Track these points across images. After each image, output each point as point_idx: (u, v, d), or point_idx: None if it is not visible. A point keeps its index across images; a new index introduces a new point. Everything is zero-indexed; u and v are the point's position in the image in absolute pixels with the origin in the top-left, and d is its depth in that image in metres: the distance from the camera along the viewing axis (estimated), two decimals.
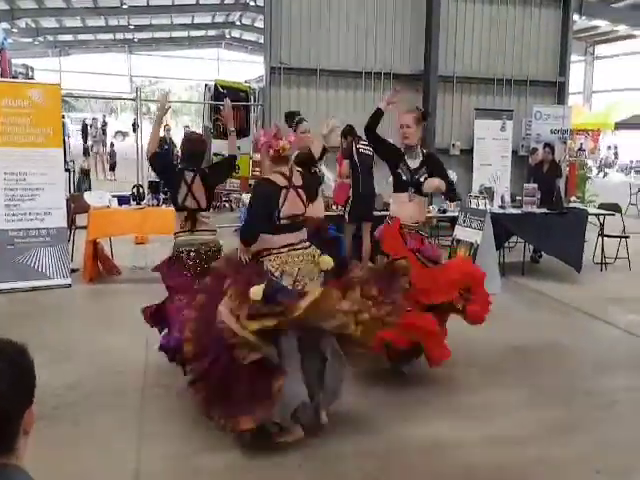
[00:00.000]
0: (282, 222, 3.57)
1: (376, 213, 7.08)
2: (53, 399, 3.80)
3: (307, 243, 3.66)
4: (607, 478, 3.30)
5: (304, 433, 3.48)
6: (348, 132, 6.83)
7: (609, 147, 25.15)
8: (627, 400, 4.31)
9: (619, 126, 18.26)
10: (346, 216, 6.89)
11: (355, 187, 6.82)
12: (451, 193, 4.74)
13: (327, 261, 3.57)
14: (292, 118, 5.44)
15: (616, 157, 25.16)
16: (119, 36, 32.15)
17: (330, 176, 7.00)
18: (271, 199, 3.55)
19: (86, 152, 18.25)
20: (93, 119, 21.33)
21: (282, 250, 3.53)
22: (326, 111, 8.91)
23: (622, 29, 22.62)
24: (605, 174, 23.15)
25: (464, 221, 7.19)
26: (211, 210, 4.50)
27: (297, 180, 3.67)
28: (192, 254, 4.25)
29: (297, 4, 9.08)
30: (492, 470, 3.33)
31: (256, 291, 3.25)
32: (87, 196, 7.40)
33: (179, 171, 4.33)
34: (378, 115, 4.53)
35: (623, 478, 3.33)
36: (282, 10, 8.95)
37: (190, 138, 4.70)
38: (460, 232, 7.18)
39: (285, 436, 3.43)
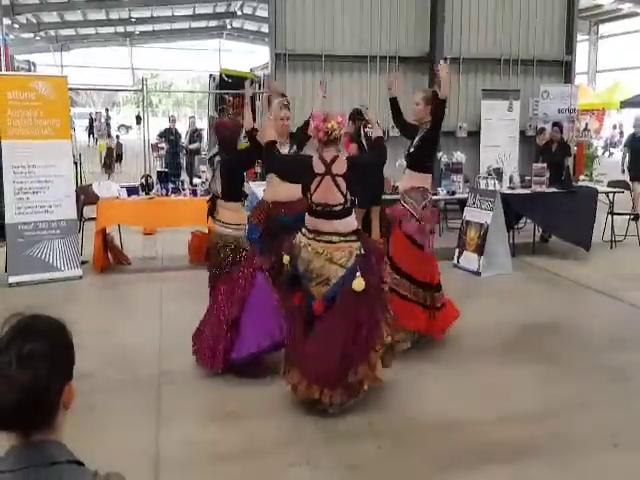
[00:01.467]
0: (313, 206, 3.58)
1: (384, 197, 7.08)
2: None
3: (344, 237, 3.55)
4: (625, 451, 3.32)
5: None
6: (355, 116, 6.79)
7: (614, 126, 24.96)
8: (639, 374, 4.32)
9: (624, 105, 18.11)
10: (355, 200, 6.86)
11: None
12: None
13: (358, 284, 3.47)
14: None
15: (621, 136, 24.97)
16: (120, 29, 32.03)
17: None
18: (303, 173, 3.65)
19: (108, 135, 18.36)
20: (97, 113, 21.36)
21: (310, 233, 3.57)
22: (331, 95, 8.88)
23: (626, 7, 22.39)
24: (610, 153, 23.00)
25: (474, 202, 7.18)
26: (239, 203, 4.29)
27: (339, 168, 3.59)
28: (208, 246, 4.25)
29: None
30: (509, 447, 3.35)
31: (286, 258, 3.59)
32: (96, 187, 7.41)
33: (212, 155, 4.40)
34: (392, 103, 4.87)
35: None
36: None
37: (215, 124, 4.73)
38: (470, 213, 7.17)
39: None
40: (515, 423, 3.61)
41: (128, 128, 32.18)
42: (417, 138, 4.72)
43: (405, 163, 4.87)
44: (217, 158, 4.34)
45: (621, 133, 24.93)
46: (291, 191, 4.91)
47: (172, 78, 41.28)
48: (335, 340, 3.48)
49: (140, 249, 7.81)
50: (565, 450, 3.35)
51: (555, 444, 3.40)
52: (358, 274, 3.46)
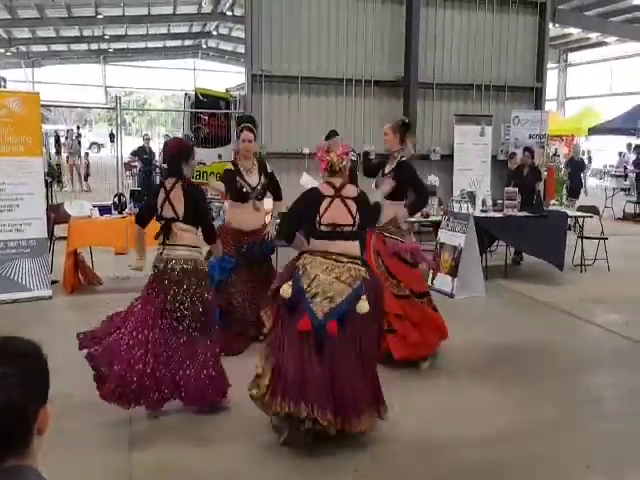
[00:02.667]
0: (322, 229, 3.56)
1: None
2: None
3: (351, 259, 3.50)
4: (599, 473, 3.37)
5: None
6: (332, 137, 6.82)
7: (582, 152, 25.58)
8: (613, 396, 4.40)
9: (592, 132, 18.61)
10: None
11: None
12: (415, 204, 5.00)
13: (362, 306, 3.40)
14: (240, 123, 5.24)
15: (590, 162, 25.62)
16: (94, 46, 31.84)
17: (315, 183, 6.97)
18: (311, 205, 3.58)
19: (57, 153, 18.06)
20: (68, 131, 21.10)
21: (316, 253, 3.53)
22: (307, 118, 8.95)
23: (594, 36, 23.13)
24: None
25: (447, 225, 7.26)
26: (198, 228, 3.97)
27: (349, 192, 3.61)
28: (155, 270, 3.86)
29: (277, 12, 9.12)
30: (489, 469, 3.36)
31: (285, 289, 3.40)
32: (67, 206, 7.30)
33: (161, 179, 4.29)
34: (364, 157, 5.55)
35: (614, 472, 3.38)
36: (263, 18, 8.98)
37: (166, 142, 4.75)
38: (444, 236, 7.24)
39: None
40: (495, 445, 3.61)
41: (100, 146, 31.87)
42: (390, 171, 4.91)
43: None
44: (169, 180, 3.94)
45: (589, 159, 25.56)
46: (258, 220, 5.08)
47: (145, 96, 41.09)
48: (353, 366, 3.42)
49: (112, 269, 7.67)
50: (544, 472, 3.38)
51: (535, 465, 3.42)
52: (364, 297, 3.42)
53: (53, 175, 11.11)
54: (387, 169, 4.96)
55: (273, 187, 5.22)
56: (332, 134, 6.88)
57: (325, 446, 3.45)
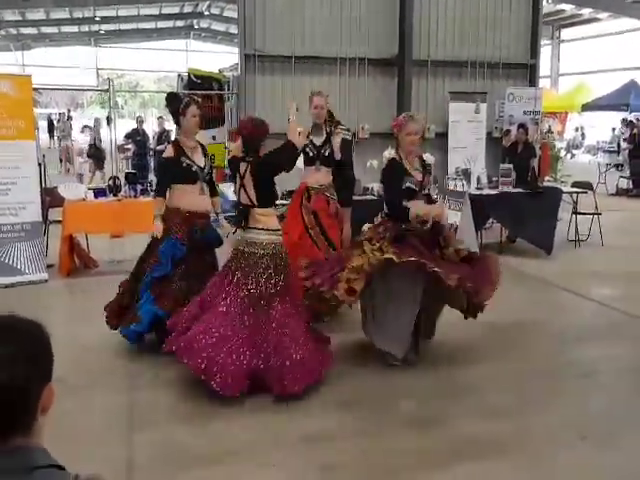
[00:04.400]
0: None
1: (356, 197, 7.12)
2: None
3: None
4: (592, 444, 3.42)
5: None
6: (327, 117, 6.79)
7: (576, 129, 25.57)
8: (608, 369, 4.45)
9: (585, 108, 18.59)
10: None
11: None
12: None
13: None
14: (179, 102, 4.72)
15: (583, 138, 25.60)
16: (84, 28, 31.40)
17: None
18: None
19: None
20: (60, 114, 20.91)
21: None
22: (301, 98, 8.85)
23: (586, 12, 22.99)
24: (573, 155, 23.55)
25: (443, 203, 7.26)
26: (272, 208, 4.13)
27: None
28: (233, 252, 4.04)
29: None
30: (487, 443, 3.41)
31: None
32: (62, 189, 7.26)
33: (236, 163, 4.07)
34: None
35: (608, 443, 3.43)
36: None
37: (242, 121, 4.35)
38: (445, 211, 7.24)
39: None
40: (490, 419, 3.66)
41: (92, 129, 31.51)
42: (324, 142, 5.23)
43: (317, 162, 5.23)
44: (242, 164, 4.04)
45: (583, 135, 25.54)
46: (207, 202, 4.65)
47: (138, 79, 40.69)
48: None
49: (107, 252, 7.67)
50: (537, 442, 3.42)
51: (528, 437, 3.48)
52: None
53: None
54: (317, 142, 5.26)
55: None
56: (328, 115, 6.85)
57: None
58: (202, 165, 4.54)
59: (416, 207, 4.16)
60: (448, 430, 3.53)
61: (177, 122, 4.59)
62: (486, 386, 4.12)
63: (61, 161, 17.90)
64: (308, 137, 5.06)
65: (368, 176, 7.58)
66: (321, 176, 5.22)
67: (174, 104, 4.54)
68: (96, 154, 14.05)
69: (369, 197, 7.35)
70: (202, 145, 4.71)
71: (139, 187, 7.34)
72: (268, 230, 4.01)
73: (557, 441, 3.46)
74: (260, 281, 3.90)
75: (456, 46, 9.99)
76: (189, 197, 4.47)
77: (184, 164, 4.45)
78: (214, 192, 4.80)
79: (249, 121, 4.20)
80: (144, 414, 3.70)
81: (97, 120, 15.38)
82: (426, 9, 9.75)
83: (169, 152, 4.54)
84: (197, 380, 3.84)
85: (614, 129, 20.80)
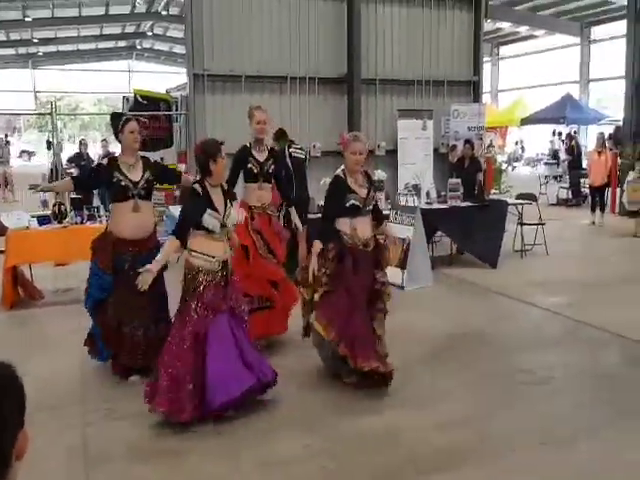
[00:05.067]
0: None
1: (310, 216, 7.16)
2: None
3: None
4: (552, 448, 3.49)
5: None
6: (280, 136, 6.84)
7: (516, 142, 26.51)
8: (563, 375, 4.57)
9: (525, 121, 19.30)
10: (280, 221, 6.90)
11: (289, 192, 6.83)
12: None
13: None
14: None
15: (523, 151, 26.55)
16: (22, 50, 30.64)
17: None
18: None
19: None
20: None
21: None
22: None
23: (523, 30, 23.99)
24: (514, 167, 24.38)
25: (395, 218, 7.39)
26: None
27: None
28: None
29: (218, 10, 9.00)
30: (444, 453, 3.44)
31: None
32: (4, 217, 6.97)
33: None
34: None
35: (567, 447, 3.51)
36: (203, 17, 8.85)
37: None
38: (392, 229, 7.35)
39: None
40: (448, 429, 3.70)
41: (31, 154, 30.64)
42: (267, 159, 5.13)
43: (262, 180, 5.13)
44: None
45: (522, 148, 26.48)
46: (145, 226, 4.51)
47: (77, 101, 39.75)
48: None
49: (52, 281, 7.40)
50: (497, 450, 3.48)
51: (488, 445, 3.53)
52: None
53: None
54: (260, 158, 5.13)
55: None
56: (281, 134, 6.91)
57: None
58: (136, 180, 4.43)
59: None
60: (407, 443, 3.55)
61: (118, 139, 4.56)
62: (445, 397, 4.16)
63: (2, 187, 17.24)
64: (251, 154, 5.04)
65: (322, 194, 7.64)
66: (264, 194, 5.07)
67: (114, 122, 4.52)
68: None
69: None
70: (145, 159, 4.61)
71: (86, 213, 7.08)
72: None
73: (517, 448, 3.51)
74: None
75: (402, 64, 10.24)
76: (121, 217, 4.39)
77: (115, 179, 4.37)
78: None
79: (199, 142, 4.20)
80: (101, 450, 3.55)
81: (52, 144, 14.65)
82: (373, 28, 9.98)
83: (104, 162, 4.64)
84: (156, 416, 3.75)
85: (551, 141, 21.65)
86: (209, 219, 3.78)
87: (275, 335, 5.11)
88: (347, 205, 4.26)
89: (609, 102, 23.84)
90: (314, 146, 9.49)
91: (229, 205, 3.96)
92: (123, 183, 4.37)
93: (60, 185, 4.70)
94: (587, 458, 3.41)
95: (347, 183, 4.31)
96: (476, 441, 3.58)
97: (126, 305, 4.33)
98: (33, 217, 6.99)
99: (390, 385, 4.20)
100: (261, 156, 5.04)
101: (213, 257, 3.83)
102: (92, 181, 4.76)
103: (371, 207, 4.42)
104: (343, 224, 4.31)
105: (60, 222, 6.90)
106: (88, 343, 4.63)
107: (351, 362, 4.11)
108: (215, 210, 3.83)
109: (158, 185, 5.18)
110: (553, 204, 14.03)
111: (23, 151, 30.72)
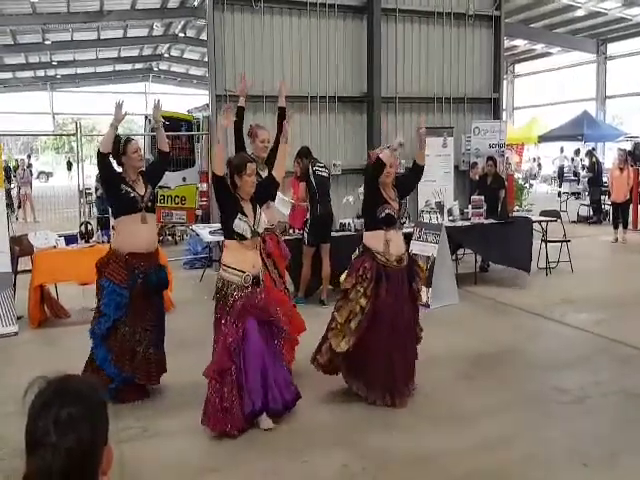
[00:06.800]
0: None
1: (333, 234, 7.15)
2: (14, 452, 3.47)
3: None
4: (595, 469, 3.42)
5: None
6: (304, 154, 6.85)
7: (533, 159, 26.41)
8: (596, 394, 4.50)
9: (542, 139, 19.25)
10: (305, 239, 6.90)
11: (313, 209, 6.85)
12: None
13: None
14: None
15: (539, 168, 26.44)
16: (40, 73, 31.22)
17: (286, 199, 6.98)
18: None
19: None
20: (20, 160, 20.55)
21: None
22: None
23: (539, 48, 24.03)
24: (531, 185, 24.27)
25: (419, 236, 7.34)
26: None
27: None
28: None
29: (240, 32, 9.10)
30: (484, 475, 3.39)
31: None
32: (32, 237, 7.05)
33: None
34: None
35: (609, 467, 3.46)
36: (225, 38, 8.95)
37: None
38: (416, 247, 7.32)
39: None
40: (486, 451, 3.64)
41: (49, 175, 31.07)
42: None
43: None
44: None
45: (539, 166, 26.37)
46: (152, 239, 4.53)
47: (94, 122, 40.29)
48: None
49: (78, 300, 7.43)
50: (540, 472, 3.42)
51: (529, 467, 3.47)
52: None
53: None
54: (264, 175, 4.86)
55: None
56: (304, 150, 6.93)
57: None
58: (142, 193, 4.44)
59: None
60: (449, 464, 3.49)
61: (119, 162, 4.49)
62: (482, 418, 4.10)
63: (16, 209, 17.46)
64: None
65: (344, 212, 7.64)
66: (270, 213, 4.85)
67: (114, 145, 4.46)
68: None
69: (347, 233, 7.38)
70: (143, 174, 4.59)
71: (112, 232, 7.15)
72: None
73: (560, 467, 3.46)
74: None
75: (422, 82, 10.27)
76: (131, 231, 4.36)
77: (123, 191, 4.37)
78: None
79: (231, 156, 4.24)
80: (138, 470, 3.53)
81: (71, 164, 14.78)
82: (392, 46, 10.03)
83: None
84: (190, 432, 3.73)
85: (572, 159, 21.55)
86: (240, 223, 3.83)
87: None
88: (382, 216, 4.23)
89: (625, 118, 23.74)
90: (334, 165, 9.49)
91: (259, 211, 4.00)
92: (132, 195, 4.38)
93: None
94: (631, 476, 3.35)
95: (382, 193, 4.28)
96: (516, 462, 3.51)
97: (141, 323, 4.35)
98: (60, 236, 7.06)
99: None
100: (264, 174, 4.85)
101: (243, 272, 3.83)
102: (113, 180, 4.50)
103: (403, 221, 4.41)
104: (376, 238, 4.27)
105: (87, 241, 6.96)
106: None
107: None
108: (245, 215, 3.89)
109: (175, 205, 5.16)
110: (574, 221, 13.92)
111: (41, 172, 31.19)
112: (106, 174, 4.46)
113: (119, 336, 4.32)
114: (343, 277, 4.37)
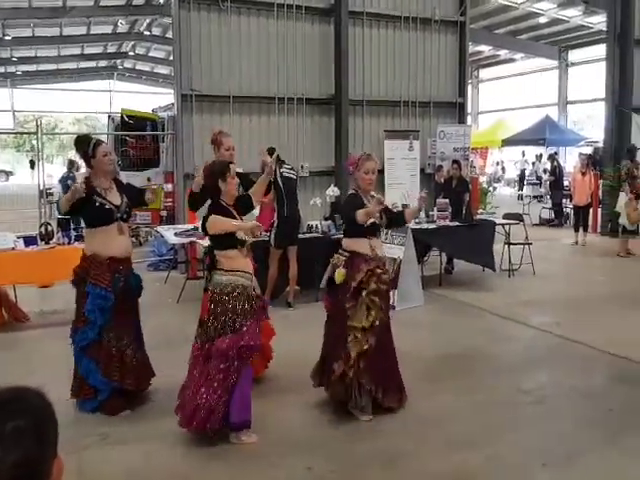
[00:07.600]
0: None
1: (301, 236, 7.15)
2: None
3: None
4: (553, 469, 3.49)
5: None
6: (270, 153, 6.80)
7: (497, 163, 26.86)
8: (558, 393, 4.59)
9: (505, 143, 19.61)
10: (272, 241, 6.87)
11: (280, 211, 6.82)
12: None
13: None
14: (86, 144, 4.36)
15: (503, 172, 26.91)
16: (0, 69, 30.43)
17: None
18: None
19: None
20: None
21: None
22: (239, 137, 8.91)
23: (503, 53, 24.49)
24: (494, 188, 24.66)
25: (386, 238, 7.38)
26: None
27: None
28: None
29: (206, 31, 9.05)
30: (449, 477, 3.42)
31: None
32: None
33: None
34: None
35: (567, 467, 3.52)
36: (191, 37, 8.87)
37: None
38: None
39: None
40: (451, 451, 3.67)
41: (8, 174, 30.28)
42: None
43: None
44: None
45: (503, 169, 26.84)
46: (129, 244, 4.43)
47: (56, 120, 39.40)
48: None
49: (37, 303, 7.24)
50: (500, 474, 3.46)
51: (491, 468, 3.51)
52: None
53: None
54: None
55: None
56: (270, 149, 6.89)
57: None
58: (117, 203, 4.28)
59: (359, 213, 4.04)
60: (415, 466, 3.51)
61: (89, 165, 4.32)
62: (446, 418, 4.15)
63: None
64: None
65: (312, 214, 7.64)
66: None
67: (83, 147, 4.30)
68: None
69: (314, 235, 7.38)
70: (118, 182, 4.45)
71: (73, 233, 7.01)
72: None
73: (519, 470, 3.50)
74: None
75: (389, 86, 10.36)
76: (107, 240, 4.22)
77: (97, 203, 4.18)
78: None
79: (207, 165, 4.17)
80: (96, 474, 3.46)
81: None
82: (360, 50, 10.10)
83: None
84: (165, 436, 3.67)
85: (533, 163, 21.99)
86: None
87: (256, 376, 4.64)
88: (367, 225, 4.17)
89: (584, 124, 24.38)
90: (302, 166, 9.50)
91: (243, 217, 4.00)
92: (107, 207, 4.21)
93: None
94: (591, 477, 3.42)
95: (363, 201, 4.24)
96: (480, 463, 3.55)
97: (125, 327, 4.26)
98: (19, 238, 6.87)
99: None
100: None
101: (246, 272, 3.84)
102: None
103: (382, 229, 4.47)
104: (359, 244, 4.22)
105: (47, 243, 6.79)
106: (79, 391, 4.28)
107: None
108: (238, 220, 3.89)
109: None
110: (536, 224, 14.20)
111: (0, 171, 30.38)
112: (74, 209, 4.24)
113: (104, 343, 4.17)
114: (342, 272, 4.24)
